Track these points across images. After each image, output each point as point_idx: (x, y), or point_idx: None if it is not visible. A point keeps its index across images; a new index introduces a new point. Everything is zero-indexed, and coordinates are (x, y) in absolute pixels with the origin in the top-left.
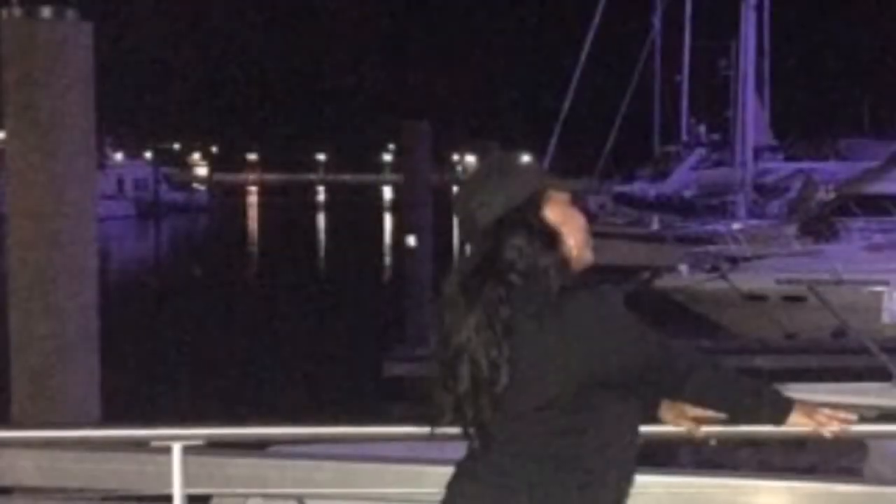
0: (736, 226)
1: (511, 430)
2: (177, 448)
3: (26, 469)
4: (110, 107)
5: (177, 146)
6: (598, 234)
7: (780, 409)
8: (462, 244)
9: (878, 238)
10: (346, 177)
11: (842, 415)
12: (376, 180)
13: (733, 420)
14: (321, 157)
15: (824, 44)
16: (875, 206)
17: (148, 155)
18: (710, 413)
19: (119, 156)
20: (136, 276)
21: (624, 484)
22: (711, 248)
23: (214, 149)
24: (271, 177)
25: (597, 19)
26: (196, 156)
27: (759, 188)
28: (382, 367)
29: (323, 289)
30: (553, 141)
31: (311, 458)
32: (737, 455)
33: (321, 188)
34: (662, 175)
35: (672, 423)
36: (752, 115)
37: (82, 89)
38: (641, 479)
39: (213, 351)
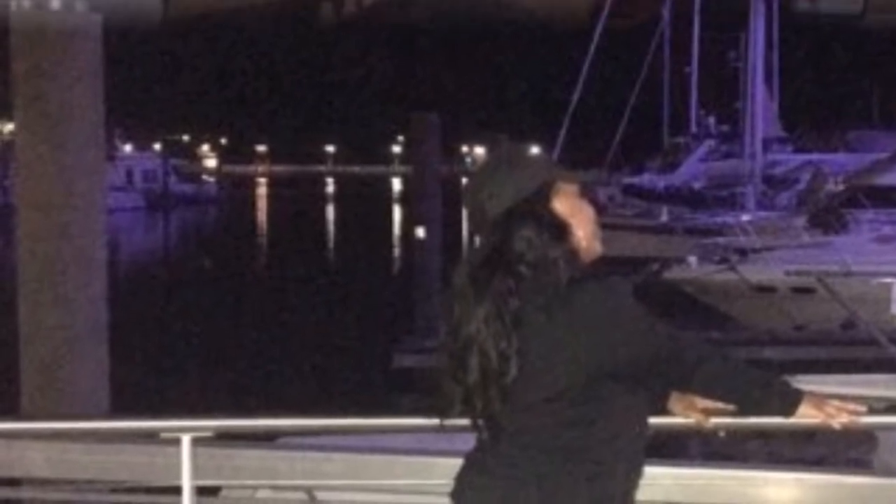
0: (745, 217)
1: (520, 421)
2: (186, 440)
3: (35, 460)
4: (119, 98)
5: (186, 138)
6: (606, 226)
7: (790, 401)
8: (471, 236)
9: (887, 229)
10: (356, 168)
11: (851, 406)
12: (385, 172)
13: (742, 411)
14: (330, 148)
15: (833, 35)
16: (884, 197)
17: (157, 146)
18: (719, 405)
19: (128, 147)
20: (146, 267)
21: (633, 475)
22: (720, 239)
23: (223, 140)
24: (280, 168)
25: (606, 11)
26: (205, 147)
27: (769, 180)
28: (392, 359)
29: (332, 280)
30: (562, 132)
31: (321, 449)
32: (746, 447)
33: (330, 180)
34: (671, 167)
35: (681, 415)
36: (761, 107)
37: (91, 81)
38: (650, 471)
39: (222, 342)
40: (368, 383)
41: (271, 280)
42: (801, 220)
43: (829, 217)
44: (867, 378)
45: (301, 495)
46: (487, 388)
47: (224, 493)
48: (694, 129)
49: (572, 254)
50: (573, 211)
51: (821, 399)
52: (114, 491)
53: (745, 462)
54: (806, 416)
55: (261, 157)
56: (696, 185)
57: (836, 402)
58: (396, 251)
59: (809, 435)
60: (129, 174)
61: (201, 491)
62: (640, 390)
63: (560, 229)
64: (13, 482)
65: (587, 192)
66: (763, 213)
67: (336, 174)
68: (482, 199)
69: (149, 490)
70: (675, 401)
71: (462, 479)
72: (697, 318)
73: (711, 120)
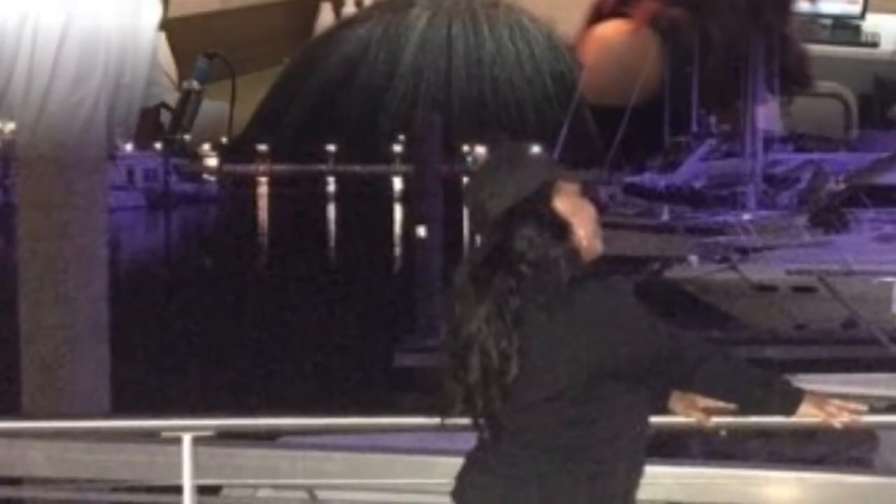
0: (746, 216)
1: (521, 420)
2: (187, 439)
3: (36, 459)
4: None
5: (187, 137)
6: (608, 225)
7: (791, 400)
8: (472, 235)
9: (887, 229)
10: (356, 167)
11: (852, 405)
12: (386, 171)
13: (743, 411)
14: (331, 147)
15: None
16: (885, 196)
17: (158, 146)
18: (720, 404)
19: (129, 146)
20: (146, 266)
21: (634, 474)
22: (721, 238)
23: (224, 139)
24: (281, 167)
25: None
26: (206, 146)
27: (769, 179)
28: (393, 358)
29: (333, 279)
30: (563, 132)
31: (322, 448)
32: (747, 446)
33: (331, 179)
34: (672, 166)
35: (682, 414)
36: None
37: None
38: (651, 470)
39: (222, 342)
40: (369, 382)
41: (272, 279)
42: (802, 220)
43: (829, 216)
44: (868, 377)
45: (302, 494)
46: (488, 387)
47: (225, 492)
48: (695, 128)
49: (573, 253)
50: (574, 210)
51: (822, 398)
52: (115, 490)
53: (746, 461)
54: (807, 415)
55: (261, 157)
56: (697, 185)
57: (837, 402)
58: (397, 250)
59: (810, 434)
60: (130, 173)
61: (202, 490)
62: (642, 389)
63: (561, 228)
64: (14, 481)
65: (588, 191)
66: (764, 213)
67: (337, 173)
68: (483, 199)
69: (150, 489)
70: (676, 400)
71: (463, 478)
72: (698, 317)
73: (712, 119)
